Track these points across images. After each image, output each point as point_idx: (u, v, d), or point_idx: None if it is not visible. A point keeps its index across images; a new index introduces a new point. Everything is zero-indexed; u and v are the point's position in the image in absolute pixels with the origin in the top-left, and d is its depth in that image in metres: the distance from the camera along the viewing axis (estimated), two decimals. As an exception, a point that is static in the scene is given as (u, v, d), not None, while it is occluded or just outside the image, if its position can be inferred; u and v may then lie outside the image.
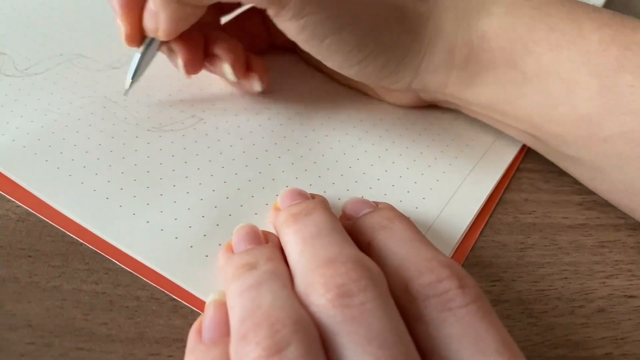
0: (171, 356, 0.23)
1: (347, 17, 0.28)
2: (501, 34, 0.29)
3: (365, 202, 0.26)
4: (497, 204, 0.30)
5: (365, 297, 0.19)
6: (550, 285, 0.27)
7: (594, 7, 0.28)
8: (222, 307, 0.21)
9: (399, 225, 0.23)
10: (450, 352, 0.19)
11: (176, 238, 0.26)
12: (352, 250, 0.21)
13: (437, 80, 0.31)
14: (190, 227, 0.27)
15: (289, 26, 0.28)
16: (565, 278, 0.27)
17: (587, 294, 0.26)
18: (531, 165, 0.33)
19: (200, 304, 0.24)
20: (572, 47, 0.27)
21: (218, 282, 0.24)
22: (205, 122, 0.34)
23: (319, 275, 0.20)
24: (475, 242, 0.28)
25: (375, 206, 0.26)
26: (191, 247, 0.26)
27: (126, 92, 0.32)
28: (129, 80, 0.32)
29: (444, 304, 0.20)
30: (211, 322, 0.21)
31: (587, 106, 0.27)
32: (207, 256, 0.26)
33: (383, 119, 0.35)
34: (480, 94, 0.31)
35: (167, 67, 0.35)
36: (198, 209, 0.28)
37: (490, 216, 0.30)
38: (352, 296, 0.19)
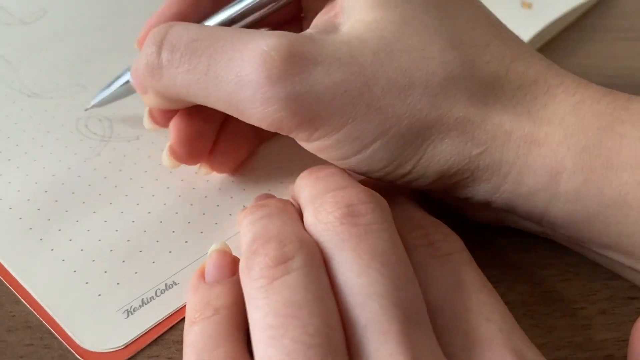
0: (170, 358, 0.23)
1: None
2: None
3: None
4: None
5: (373, 219, 0.20)
6: (552, 287, 0.26)
7: None
8: (224, 253, 0.23)
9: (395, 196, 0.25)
10: (433, 290, 0.21)
11: (10, 209, 0.27)
12: (363, 186, 0.22)
13: (531, 207, 0.24)
14: (28, 200, 0.28)
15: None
16: (567, 279, 0.27)
17: (589, 295, 0.26)
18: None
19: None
20: None
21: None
22: (87, 91, 0.34)
23: (330, 197, 0.21)
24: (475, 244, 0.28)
25: None
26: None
27: (87, 109, 0.32)
28: (97, 99, 0.31)
29: (430, 252, 0.22)
30: (214, 265, 0.23)
31: None
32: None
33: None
34: (600, 233, 0.24)
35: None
36: (44, 181, 0.29)
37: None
38: (360, 216, 0.20)
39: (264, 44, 0.22)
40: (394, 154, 0.23)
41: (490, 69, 0.23)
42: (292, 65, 0.22)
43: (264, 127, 0.23)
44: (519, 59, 0.24)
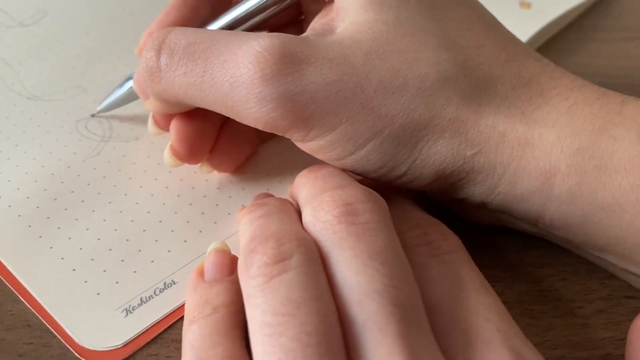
0: (169, 357, 0.23)
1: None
2: (634, 168, 0.22)
3: None
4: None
5: (371, 218, 0.20)
6: (550, 286, 0.26)
7: None
8: (223, 252, 0.23)
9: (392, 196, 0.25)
10: (432, 290, 0.21)
11: (9, 206, 0.28)
12: (361, 185, 0.22)
13: (526, 209, 0.24)
14: (27, 197, 0.28)
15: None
16: (565, 279, 0.27)
17: (586, 294, 0.26)
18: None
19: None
20: None
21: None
22: (87, 94, 0.34)
23: (328, 196, 0.21)
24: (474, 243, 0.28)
25: None
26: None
27: (93, 114, 0.32)
28: (103, 105, 0.32)
29: (429, 252, 0.22)
30: (213, 264, 0.23)
31: None
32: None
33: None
34: (594, 236, 0.24)
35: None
36: (43, 179, 0.29)
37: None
38: (358, 215, 0.20)
39: (257, 45, 0.22)
40: (389, 155, 0.23)
41: (483, 70, 0.24)
42: (285, 65, 0.22)
43: (259, 127, 0.23)
44: (514, 60, 0.24)
